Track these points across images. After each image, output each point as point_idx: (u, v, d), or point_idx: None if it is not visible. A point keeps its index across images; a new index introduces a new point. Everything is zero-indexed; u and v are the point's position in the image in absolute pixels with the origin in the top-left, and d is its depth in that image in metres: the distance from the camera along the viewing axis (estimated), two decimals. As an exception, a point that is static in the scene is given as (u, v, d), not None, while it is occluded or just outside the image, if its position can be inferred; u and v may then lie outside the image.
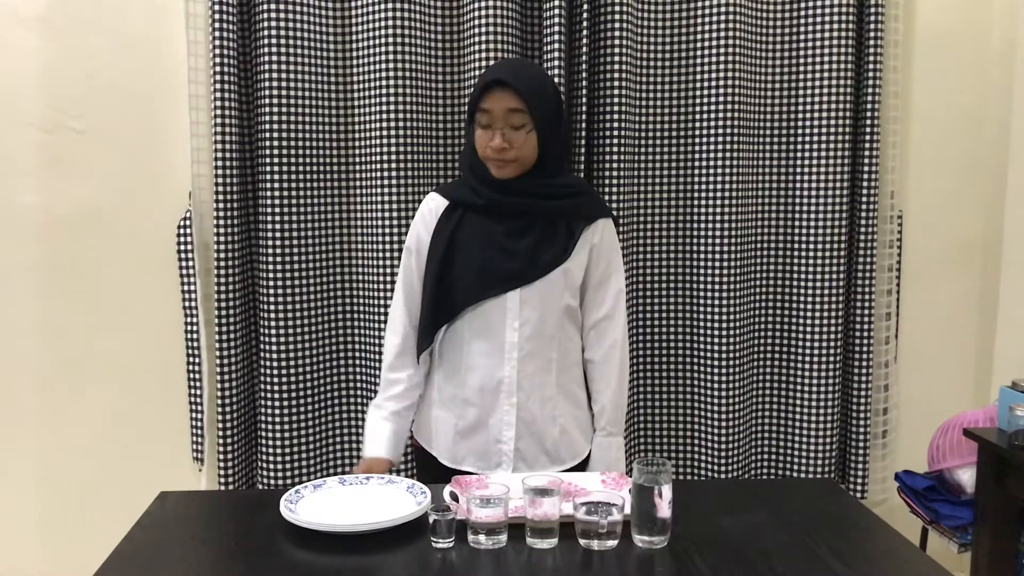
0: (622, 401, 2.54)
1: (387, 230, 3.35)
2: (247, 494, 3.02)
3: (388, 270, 3.35)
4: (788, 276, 3.63)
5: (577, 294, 2.50)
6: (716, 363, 3.55)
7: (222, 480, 3.42)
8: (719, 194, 3.47)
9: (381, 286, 3.39)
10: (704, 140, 3.48)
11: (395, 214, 3.33)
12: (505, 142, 2.35)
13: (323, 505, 2.12)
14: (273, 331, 3.40)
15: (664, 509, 1.94)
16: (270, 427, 3.43)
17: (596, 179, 3.45)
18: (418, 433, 2.63)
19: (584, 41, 3.38)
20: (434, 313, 2.45)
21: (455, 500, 2.11)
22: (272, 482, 3.44)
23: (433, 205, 2.50)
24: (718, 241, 3.50)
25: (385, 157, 3.33)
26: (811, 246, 3.56)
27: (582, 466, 2.54)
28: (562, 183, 2.47)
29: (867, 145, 3.51)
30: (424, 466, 2.59)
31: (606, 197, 3.40)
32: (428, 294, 2.45)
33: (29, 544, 3.71)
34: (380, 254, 3.37)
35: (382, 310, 3.41)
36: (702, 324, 3.57)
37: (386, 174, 3.33)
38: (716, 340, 3.54)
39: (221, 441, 3.40)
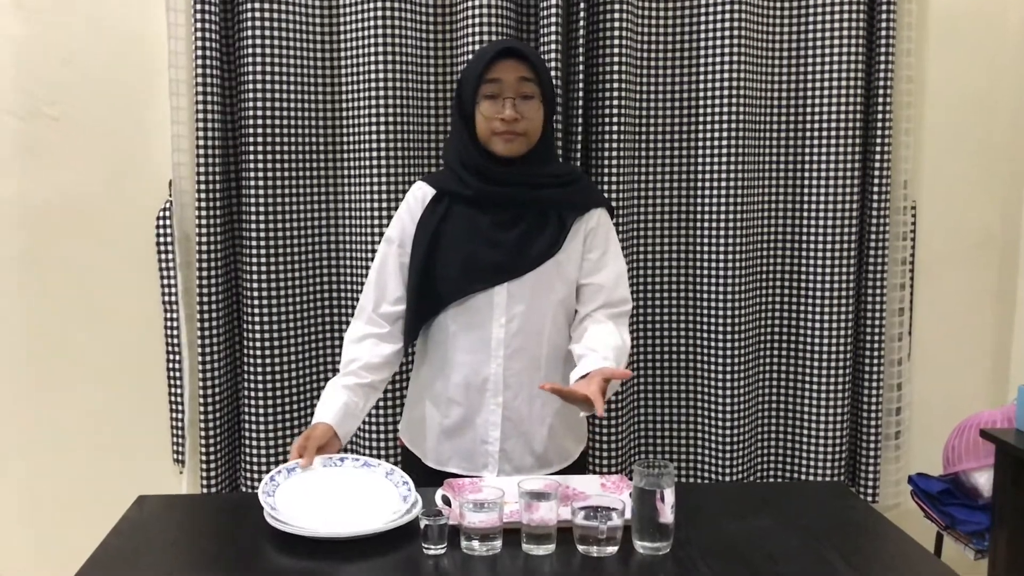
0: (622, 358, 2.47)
1: (376, 220, 3.34)
2: (230, 497, 3.02)
3: (371, 258, 3.34)
4: (795, 270, 3.63)
5: (572, 288, 2.50)
6: (720, 361, 3.54)
7: (204, 483, 3.41)
8: (723, 184, 3.46)
9: (363, 276, 3.37)
10: (708, 127, 3.47)
11: (384, 204, 3.32)
12: (517, 113, 2.37)
13: (302, 493, 2.14)
14: (257, 327, 3.39)
15: (666, 514, 1.94)
16: (254, 427, 3.42)
17: (594, 169, 3.44)
18: (404, 432, 2.64)
19: (582, 23, 3.37)
20: (418, 308, 2.45)
21: (447, 504, 2.11)
22: (257, 484, 3.42)
23: (419, 194, 2.51)
24: (722, 234, 3.49)
25: (374, 145, 3.32)
26: (820, 238, 3.55)
27: (572, 469, 2.54)
28: (552, 172, 2.48)
29: (879, 132, 3.51)
30: (410, 467, 2.59)
31: (604, 188, 3.39)
32: (412, 288, 2.45)
33: (5, 547, 3.70)
34: (369, 246, 3.36)
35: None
36: (705, 321, 3.56)
37: (375, 162, 3.32)
38: (720, 338, 3.53)
39: (203, 442, 3.39)
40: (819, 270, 3.57)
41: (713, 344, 3.56)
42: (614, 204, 3.39)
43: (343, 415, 2.39)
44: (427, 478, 2.47)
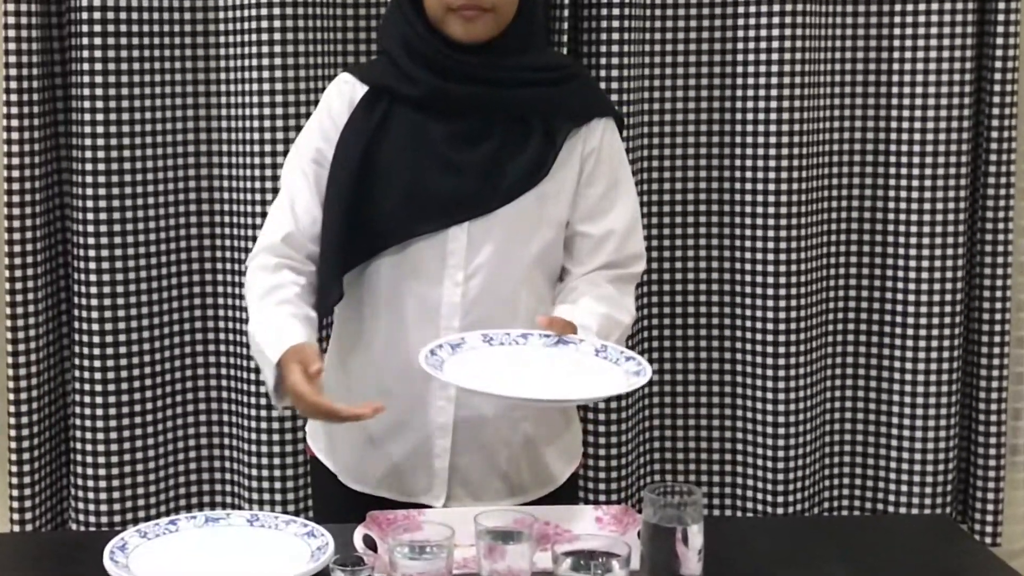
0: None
1: (268, 134, 3.35)
2: (54, 537, 3.01)
3: (267, 206, 3.33)
4: (880, 221, 3.65)
5: (560, 235, 2.50)
6: (769, 338, 3.56)
7: (16, 517, 3.42)
8: (774, 91, 3.48)
9: (256, 230, 3.36)
10: (753, 5, 3.48)
11: (280, 110, 3.33)
12: None
13: (171, 553, 2.15)
14: (95, 289, 3.39)
15: (691, 562, 1.94)
16: (88, 439, 3.43)
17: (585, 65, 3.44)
18: (313, 437, 2.64)
19: None
20: (339, 255, 2.44)
21: (371, 548, 2.12)
22: (92, 520, 3.44)
23: (346, 91, 2.50)
24: (772, 163, 3.50)
25: (265, 23, 3.31)
26: (914, 181, 3.57)
27: (556, 496, 2.56)
28: (540, 63, 2.49)
29: (998, 40, 3.53)
30: (322, 489, 2.59)
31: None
32: (331, 226, 2.43)
33: None
34: (255, 182, 3.38)
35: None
36: (748, 288, 3.58)
37: (266, 48, 3.32)
38: (770, 312, 3.55)
39: (14, 458, 3.40)
40: (913, 220, 3.59)
41: (760, 321, 3.58)
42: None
43: (309, 334, 2.37)
44: (344, 506, 2.48)
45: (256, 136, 3.37)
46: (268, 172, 3.33)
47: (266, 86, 3.33)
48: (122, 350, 3.42)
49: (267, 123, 3.35)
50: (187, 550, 2.17)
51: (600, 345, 2.28)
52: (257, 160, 3.37)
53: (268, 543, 2.20)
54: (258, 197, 3.36)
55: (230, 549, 2.18)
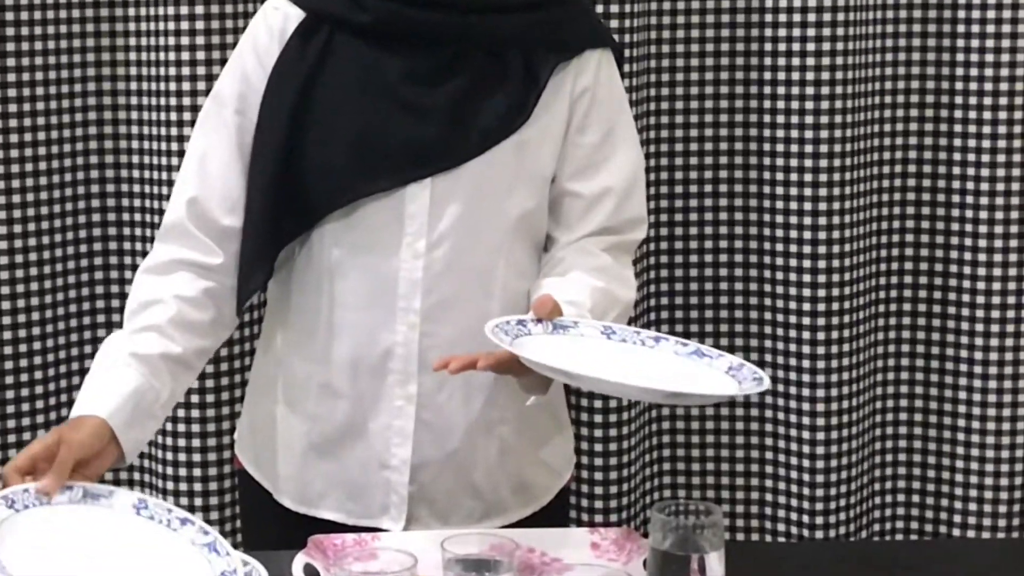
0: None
1: (187, 69, 3.35)
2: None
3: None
4: (943, 176, 3.67)
5: (545, 193, 2.50)
6: (806, 330, 3.59)
7: None
8: (811, 16, 3.48)
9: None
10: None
11: (201, 40, 3.33)
12: None
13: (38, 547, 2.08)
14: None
15: (710, 596, 1.94)
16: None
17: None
18: (242, 446, 2.65)
19: None
20: (272, 221, 2.42)
21: (315, 582, 2.11)
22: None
23: (276, 20, 2.47)
24: (809, 109, 3.52)
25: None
26: (985, 127, 3.59)
27: (541, 517, 2.56)
28: None
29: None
30: (253, 509, 2.59)
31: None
32: (259, 190, 2.42)
33: None
34: (169, 129, 3.39)
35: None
36: (780, 260, 3.60)
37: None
38: (807, 291, 3.57)
39: None
40: (984, 158, 3.60)
41: (793, 301, 3.60)
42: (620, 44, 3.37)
43: (133, 409, 2.31)
44: (280, 529, 2.49)
45: (172, 72, 3.39)
46: (187, 117, 3.33)
47: (184, 10, 3.33)
48: (7, 338, 3.45)
49: (185, 56, 3.36)
50: (60, 531, 2.10)
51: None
52: (174, 102, 3.39)
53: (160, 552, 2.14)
54: (174, 148, 3.38)
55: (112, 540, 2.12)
